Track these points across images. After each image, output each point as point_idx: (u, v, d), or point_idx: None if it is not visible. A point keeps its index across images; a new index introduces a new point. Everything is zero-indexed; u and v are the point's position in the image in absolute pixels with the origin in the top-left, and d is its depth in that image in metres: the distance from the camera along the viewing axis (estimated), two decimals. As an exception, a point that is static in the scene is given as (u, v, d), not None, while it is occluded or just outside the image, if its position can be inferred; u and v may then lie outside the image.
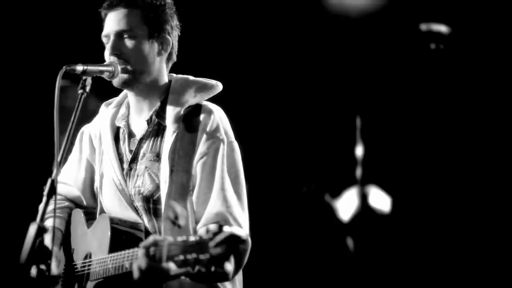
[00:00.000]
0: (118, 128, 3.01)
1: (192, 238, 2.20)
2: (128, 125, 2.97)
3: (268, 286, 5.02)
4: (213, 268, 2.17)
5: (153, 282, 2.41)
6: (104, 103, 3.12)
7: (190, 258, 2.18)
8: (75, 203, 3.16)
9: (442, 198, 5.01)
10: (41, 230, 2.32)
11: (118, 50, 2.83)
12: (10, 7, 4.82)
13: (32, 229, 2.31)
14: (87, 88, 2.62)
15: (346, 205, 5.13)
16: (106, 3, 2.89)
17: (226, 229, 2.16)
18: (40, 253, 2.73)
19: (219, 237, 2.14)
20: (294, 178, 5.23)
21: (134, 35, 2.83)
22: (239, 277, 2.89)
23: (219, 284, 2.79)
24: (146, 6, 2.86)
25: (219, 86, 2.97)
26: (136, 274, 2.41)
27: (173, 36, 2.93)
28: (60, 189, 3.13)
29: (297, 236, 5.15)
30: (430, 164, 5.04)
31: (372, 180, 5.09)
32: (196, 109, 2.87)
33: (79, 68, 2.67)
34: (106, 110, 3.09)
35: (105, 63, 2.86)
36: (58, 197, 3.14)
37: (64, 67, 2.62)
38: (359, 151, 5.07)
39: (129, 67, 2.83)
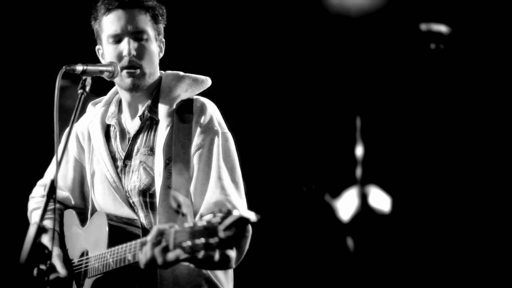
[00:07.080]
0: (108, 126, 3.01)
1: (199, 223, 2.20)
2: (119, 123, 2.98)
3: (267, 285, 5.01)
4: (221, 252, 2.18)
5: (159, 268, 2.42)
6: (91, 102, 3.13)
7: (199, 243, 2.17)
8: (64, 204, 3.17)
9: (442, 198, 5.00)
10: (41, 230, 2.32)
11: (136, 51, 2.83)
12: (10, 7, 4.82)
13: (32, 229, 2.31)
14: (87, 88, 2.63)
15: (346, 205, 5.13)
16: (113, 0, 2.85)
17: (236, 212, 2.16)
18: (40, 253, 2.73)
19: (229, 220, 2.14)
20: (294, 178, 5.22)
21: (148, 38, 2.85)
22: (231, 274, 2.92)
23: (212, 277, 2.82)
24: (152, 9, 2.88)
25: (208, 81, 3.00)
26: (142, 264, 2.42)
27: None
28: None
29: (297, 236, 5.15)
30: (430, 164, 5.04)
31: (372, 180, 5.08)
32: (188, 103, 2.90)
33: (79, 68, 2.68)
34: (93, 110, 3.10)
35: (105, 63, 2.86)
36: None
37: (64, 67, 2.64)
38: (359, 151, 5.06)
39: (142, 71, 2.84)
